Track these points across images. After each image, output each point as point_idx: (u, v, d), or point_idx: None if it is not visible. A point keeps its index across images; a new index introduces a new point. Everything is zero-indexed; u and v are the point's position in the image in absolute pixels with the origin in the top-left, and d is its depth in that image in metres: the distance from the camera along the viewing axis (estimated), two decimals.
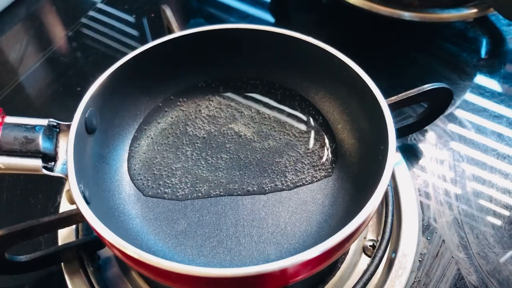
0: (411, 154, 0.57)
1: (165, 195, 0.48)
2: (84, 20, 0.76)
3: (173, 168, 0.50)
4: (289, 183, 0.49)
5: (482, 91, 0.64)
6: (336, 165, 0.50)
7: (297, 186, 0.48)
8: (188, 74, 0.55)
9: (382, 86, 0.44)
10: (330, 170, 0.49)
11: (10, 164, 0.41)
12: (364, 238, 0.49)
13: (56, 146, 0.42)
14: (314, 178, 0.49)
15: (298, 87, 0.55)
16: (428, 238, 0.50)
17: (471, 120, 0.60)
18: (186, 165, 0.50)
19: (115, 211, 0.46)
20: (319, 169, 0.50)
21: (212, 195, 0.48)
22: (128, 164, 0.50)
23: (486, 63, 0.68)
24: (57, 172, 0.41)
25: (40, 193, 0.55)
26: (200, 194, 0.48)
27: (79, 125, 0.42)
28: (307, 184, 0.48)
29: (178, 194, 0.48)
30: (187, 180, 0.49)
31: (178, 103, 0.55)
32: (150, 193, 0.48)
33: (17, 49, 0.72)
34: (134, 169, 0.50)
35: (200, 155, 0.51)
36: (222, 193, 0.48)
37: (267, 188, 0.48)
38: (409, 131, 0.57)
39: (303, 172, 0.49)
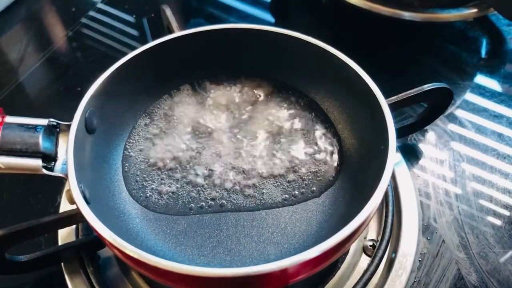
0: (411, 154, 0.57)
1: (160, 202, 0.48)
2: (84, 20, 0.76)
3: (172, 171, 0.50)
4: (291, 190, 0.48)
5: (482, 91, 0.64)
6: (337, 165, 0.50)
7: (300, 189, 0.48)
8: (188, 73, 0.55)
9: (382, 86, 0.44)
10: (334, 175, 0.49)
11: (10, 164, 0.41)
12: (364, 238, 0.49)
13: (56, 146, 0.42)
14: (316, 180, 0.49)
15: (299, 87, 0.55)
16: (428, 238, 0.50)
17: (471, 120, 0.60)
18: (185, 168, 0.50)
19: (115, 211, 0.46)
20: (321, 171, 0.49)
21: (210, 203, 0.48)
22: (125, 164, 0.50)
23: (486, 63, 0.68)
24: (57, 172, 0.41)
25: (40, 193, 0.55)
26: (199, 204, 0.48)
27: (79, 125, 0.42)
28: (309, 186, 0.48)
29: (170, 203, 0.48)
30: (184, 185, 0.49)
31: (178, 103, 0.55)
32: (145, 203, 0.47)
33: (17, 49, 0.72)
34: (132, 172, 0.50)
35: (200, 156, 0.51)
36: (221, 200, 0.48)
37: (267, 193, 0.48)
38: (409, 131, 0.57)
39: (305, 173, 0.49)
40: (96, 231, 0.36)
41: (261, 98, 0.55)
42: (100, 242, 0.45)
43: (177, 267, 0.33)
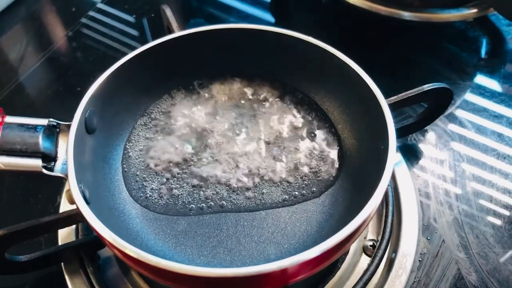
0: (411, 154, 0.57)
1: (160, 202, 0.48)
2: (84, 20, 0.76)
3: (172, 171, 0.50)
4: (291, 190, 0.48)
5: (482, 91, 0.64)
6: (337, 165, 0.50)
7: (300, 189, 0.48)
8: (188, 73, 0.55)
9: (382, 86, 0.44)
10: (334, 175, 0.49)
11: (10, 164, 0.41)
12: (364, 238, 0.49)
13: (56, 146, 0.42)
14: (316, 180, 0.49)
15: (299, 87, 0.55)
16: (428, 238, 0.50)
17: (471, 120, 0.60)
18: (184, 168, 0.50)
19: (115, 211, 0.46)
20: (321, 172, 0.49)
21: (210, 203, 0.48)
22: (125, 164, 0.50)
23: (486, 63, 0.68)
24: (57, 172, 0.41)
25: (40, 193, 0.55)
26: (199, 204, 0.48)
27: (79, 125, 0.42)
28: (309, 186, 0.48)
29: (170, 203, 0.47)
30: (184, 185, 0.49)
31: (178, 103, 0.55)
32: (145, 203, 0.47)
33: (17, 49, 0.72)
34: (132, 172, 0.50)
35: (200, 156, 0.51)
36: (221, 200, 0.48)
37: (267, 194, 0.48)
38: (409, 131, 0.57)
39: (305, 174, 0.49)
40: (96, 231, 0.36)
41: (261, 98, 0.55)
42: (100, 242, 0.45)
43: (177, 267, 0.33)
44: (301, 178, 0.49)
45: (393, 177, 0.53)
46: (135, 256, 0.34)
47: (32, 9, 0.79)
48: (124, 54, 0.49)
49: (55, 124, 0.43)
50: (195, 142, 0.52)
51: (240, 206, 0.47)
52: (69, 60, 0.71)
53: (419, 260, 0.49)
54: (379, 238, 0.47)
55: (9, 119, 0.42)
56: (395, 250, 0.48)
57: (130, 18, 0.77)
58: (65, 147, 0.41)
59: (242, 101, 0.55)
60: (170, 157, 0.51)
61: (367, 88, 0.45)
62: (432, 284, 0.47)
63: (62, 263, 0.47)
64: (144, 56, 0.49)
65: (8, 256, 0.42)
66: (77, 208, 0.37)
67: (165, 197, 0.48)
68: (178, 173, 0.49)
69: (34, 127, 0.42)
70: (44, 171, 0.41)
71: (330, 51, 0.48)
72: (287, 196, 0.48)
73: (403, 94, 0.48)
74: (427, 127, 0.58)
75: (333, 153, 0.51)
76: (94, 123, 0.46)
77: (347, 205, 0.46)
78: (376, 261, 0.45)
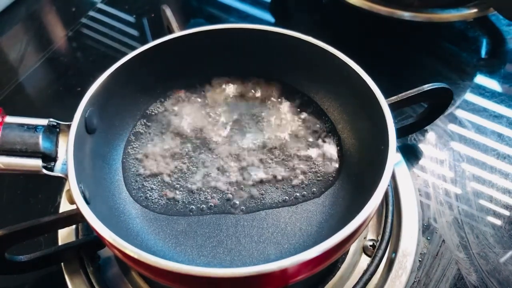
0: (411, 154, 0.57)
1: (160, 202, 0.48)
2: (84, 20, 0.76)
3: (172, 171, 0.50)
4: (291, 190, 0.48)
5: (482, 91, 0.64)
6: (337, 165, 0.50)
7: (300, 189, 0.48)
8: (188, 73, 0.55)
9: (382, 86, 0.44)
10: (334, 175, 0.49)
11: (10, 164, 0.41)
12: (364, 238, 0.49)
13: (56, 146, 0.42)
14: (316, 180, 0.49)
15: (299, 87, 0.55)
16: (428, 238, 0.50)
17: (471, 120, 0.60)
18: (185, 169, 0.50)
19: (115, 211, 0.46)
20: (321, 172, 0.49)
21: (210, 204, 0.48)
22: (125, 164, 0.50)
23: (486, 63, 0.68)
24: (57, 172, 0.41)
25: (40, 193, 0.55)
26: (199, 205, 0.48)
27: (79, 125, 0.42)
28: (310, 187, 0.48)
29: (170, 203, 0.47)
30: (184, 186, 0.49)
31: (178, 103, 0.55)
32: (145, 203, 0.47)
33: (17, 49, 0.72)
34: (132, 172, 0.50)
35: (200, 157, 0.51)
36: (221, 200, 0.48)
37: (267, 194, 0.48)
38: (409, 131, 0.57)
39: (305, 174, 0.49)
40: (96, 231, 0.36)
41: (261, 98, 0.55)
42: (100, 242, 0.45)
43: (177, 267, 0.33)
44: (301, 178, 0.49)
45: (393, 177, 0.53)
46: (135, 256, 0.34)
47: (32, 9, 0.79)
48: (124, 54, 0.49)
49: (55, 124, 0.43)
50: (195, 142, 0.52)
51: (240, 207, 0.47)
52: (69, 60, 0.71)
53: (419, 260, 0.49)
54: (379, 238, 0.47)
55: (9, 119, 0.42)
56: (395, 250, 0.48)
57: (130, 18, 0.77)
58: (65, 147, 0.41)
59: (242, 101, 0.55)
60: (170, 157, 0.51)
61: (367, 88, 0.45)
62: (432, 284, 0.47)
63: (62, 263, 0.47)
64: (144, 56, 0.49)
65: (8, 256, 0.42)
66: (77, 208, 0.37)
67: (165, 197, 0.48)
68: (178, 174, 0.49)
69: (34, 127, 0.42)
70: (44, 171, 0.41)
71: (330, 51, 0.48)
72: (287, 197, 0.48)
73: (403, 94, 0.48)
74: (427, 127, 0.58)
75: (333, 153, 0.51)
76: (94, 123, 0.46)
77: (347, 205, 0.46)
78: (376, 261, 0.45)
